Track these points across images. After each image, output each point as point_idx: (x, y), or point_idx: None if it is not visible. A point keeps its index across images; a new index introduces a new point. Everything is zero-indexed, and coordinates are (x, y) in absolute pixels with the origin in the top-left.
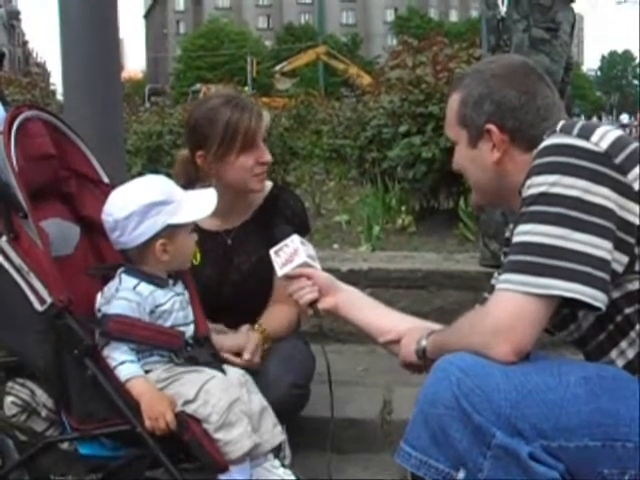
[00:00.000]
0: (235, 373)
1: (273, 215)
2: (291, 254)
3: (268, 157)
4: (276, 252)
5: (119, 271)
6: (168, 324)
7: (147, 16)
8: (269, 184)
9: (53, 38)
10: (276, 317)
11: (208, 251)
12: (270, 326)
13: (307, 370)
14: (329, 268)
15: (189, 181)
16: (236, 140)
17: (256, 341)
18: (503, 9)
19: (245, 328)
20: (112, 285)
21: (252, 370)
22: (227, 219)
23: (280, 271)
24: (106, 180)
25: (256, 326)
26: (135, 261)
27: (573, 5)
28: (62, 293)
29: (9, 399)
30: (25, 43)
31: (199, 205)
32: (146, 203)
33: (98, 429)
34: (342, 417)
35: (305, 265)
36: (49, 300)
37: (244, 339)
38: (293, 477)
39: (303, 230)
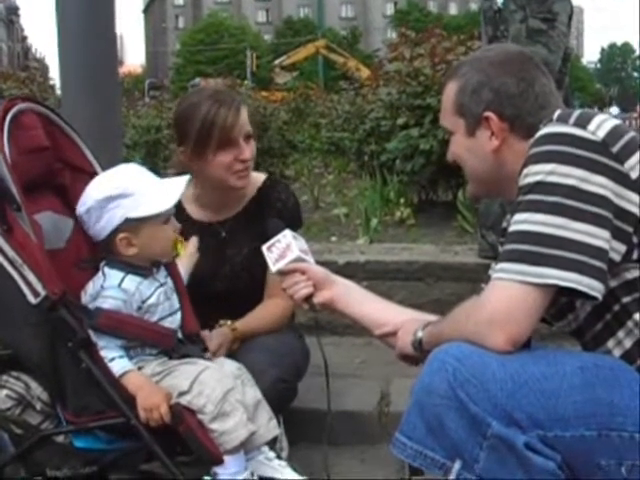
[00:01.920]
0: (230, 366)
1: (264, 208)
2: (284, 249)
3: (247, 154)
4: (268, 248)
5: (102, 265)
6: (155, 317)
7: (146, 11)
8: (262, 176)
9: (52, 33)
10: (261, 314)
11: (201, 243)
12: (250, 323)
13: (294, 365)
14: (326, 261)
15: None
16: (212, 137)
17: (221, 339)
18: (500, 0)
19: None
20: (97, 281)
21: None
22: (219, 211)
23: (273, 267)
24: (100, 172)
25: (228, 322)
26: (111, 253)
27: None
28: (56, 285)
29: (3, 392)
30: (24, 38)
31: (161, 197)
32: (100, 198)
33: (93, 422)
34: (339, 409)
35: (299, 260)
36: (43, 293)
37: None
38: (288, 468)
39: (295, 224)
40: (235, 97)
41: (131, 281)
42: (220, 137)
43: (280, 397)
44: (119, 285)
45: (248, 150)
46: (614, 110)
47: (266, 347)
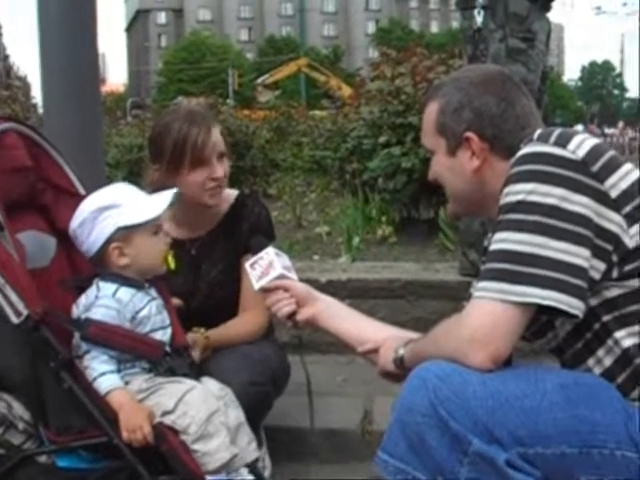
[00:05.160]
0: (214, 386)
1: (238, 223)
2: (267, 267)
3: (220, 173)
4: (251, 265)
5: (95, 280)
6: (147, 329)
7: (129, 29)
8: (234, 192)
9: (34, 51)
10: (234, 326)
11: (177, 260)
12: (223, 333)
13: (268, 369)
14: (308, 279)
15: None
16: (184, 156)
17: (201, 346)
18: (479, 19)
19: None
20: (90, 293)
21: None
22: (194, 228)
23: (256, 284)
24: (82, 192)
25: (202, 330)
26: (103, 266)
27: (550, 15)
28: (38, 305)
29: None
30: (6, 57)
31: (150, 206)
32: (93, 209)
33: (76, 441)
34: (323, 427)
35: (281, 277)
36: (25, 312)
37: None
38: None
39: (269, 236)
40: (207, 117)
41: (125, 292)
42: (192, 156)
43: (251, 401)
44: (113, 295)
45: (220, 169)
46: (578, 128)
47: (239, 353)
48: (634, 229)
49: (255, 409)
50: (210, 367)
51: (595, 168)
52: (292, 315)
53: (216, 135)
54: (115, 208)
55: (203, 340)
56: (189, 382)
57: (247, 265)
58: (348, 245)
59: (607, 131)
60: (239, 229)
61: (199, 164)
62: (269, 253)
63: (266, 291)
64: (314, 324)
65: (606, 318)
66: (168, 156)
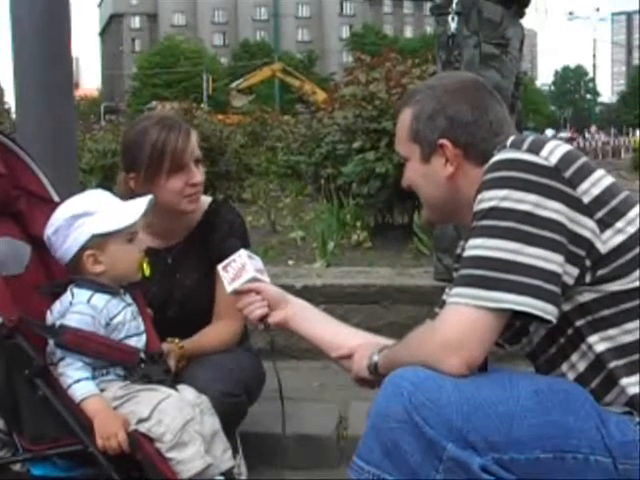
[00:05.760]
0: (190, 394)
1: (212, 230)
2: (239, 269)
3: (198, 178)
4: (224, 267)
5: (70, 286)
6: (122, 335)
7: (102, 34)
8: (207, 199)
9: (7, 56)
10: (209, 334)
11: (152, 270)
12: (197, 342)
13: (242, 379)
14: (283, 284)
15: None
16: (163, 162)
17: (175, 356)
18: (453, 25)
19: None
20: (65, 299)
21: (180, 378)
22: (168, 237)
23: (229, 287)
24: (56, 199)
25: (176, 340)
26: (78, 274)
27: (524, 21)
28: (12, 313)
29: None
30: None
31: (124, 214)
32: (67, 216)
33: (50, 449)
34: (298, 433)
35: (254, 280)
36: None
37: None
38: None
39: (243, 244)
40: (182, 122)
41: (100, 298)
42: (171, 162)
43: (225, 411)
44: (88, 301)
45: (198, 174)
46: (549, 132)
47: (212, 362)
48: (606, 234)
49: (229, 419)
50: (184, 376)
51: (568, 174)
52: (264, 318)
53: (194, 140)
54: (89, 215)
55: (177, 350)
56: (165, 390)
57: (220, 267)
58: (323, 250)
59: (562, 135)
60: (212, 237)
61: (177, 170)
62: (242, 256)
63: (238, 294)
64: (286, 327)
65: (579, 323)
66: (146, 163)
